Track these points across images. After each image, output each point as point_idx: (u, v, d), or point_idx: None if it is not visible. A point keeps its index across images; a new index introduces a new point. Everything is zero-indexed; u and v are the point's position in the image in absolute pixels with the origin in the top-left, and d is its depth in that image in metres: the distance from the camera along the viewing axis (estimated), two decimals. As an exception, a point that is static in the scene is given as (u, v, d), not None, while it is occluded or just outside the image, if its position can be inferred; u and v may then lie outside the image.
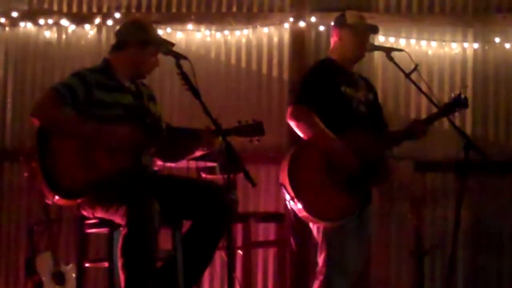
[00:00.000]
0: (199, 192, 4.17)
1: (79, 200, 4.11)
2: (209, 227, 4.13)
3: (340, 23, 4.56)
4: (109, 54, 4.36)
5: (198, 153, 4.37)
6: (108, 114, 4.13)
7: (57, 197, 4.03)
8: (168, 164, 4.68)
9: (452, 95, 4.58)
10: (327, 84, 4.41)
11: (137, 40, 4.28)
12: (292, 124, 4.40)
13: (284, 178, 4.26)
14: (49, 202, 4.15)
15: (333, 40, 4.60)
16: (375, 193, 4.84)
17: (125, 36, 4.34)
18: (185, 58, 4.04)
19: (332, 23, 4.65)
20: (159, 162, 4.41)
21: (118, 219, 3.97)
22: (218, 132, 3.98)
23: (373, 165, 4.35)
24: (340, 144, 4.28)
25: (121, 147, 4.06)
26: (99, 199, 4.06)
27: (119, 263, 3.92)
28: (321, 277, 4.33)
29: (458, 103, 4.51)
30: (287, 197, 4.25)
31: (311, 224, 4.44)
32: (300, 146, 4.36)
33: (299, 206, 4.20)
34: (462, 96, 4.52)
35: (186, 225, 4.24)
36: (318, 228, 4.38)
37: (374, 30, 4.66)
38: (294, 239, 5.66)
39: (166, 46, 4.28)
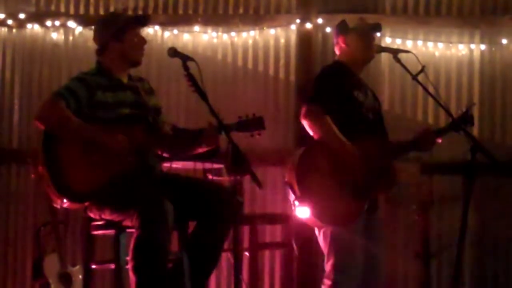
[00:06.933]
0: (203, 192, 4.15)
1: (87, 203, 4.11)
2: (213, 227, 4.10)
3: (344, 29, 4.56)
4: (98, 58, 4.34)
5: (201, 150, 4.35)
6: (113, 115, 4.14)
7: (65, 201, 4.03)
8: (175, 166, 4.68)
9: (459, 112, 4.56)
10: (340, 87, 4.40)
11: (111, 37, 4.27)
12: (305, 123, 4.39)
13: (291, 178, 4.25)
14: (57, 206, 4.14)
15: (339, 47, 4.58)
16: (382, 196, 4.82)
17: (99, 39, 4.33)
18: (191, 59, 4.04)
19: (335, 32, 4.64)
20: (165, 155, 4.39)
21: (128, 221, 3.96)
22: (221, 129, 3.99)
23: (379, 173, 4.34)
24: (351, 147, 4.28)
25: (121, 152, 4.06)
26: (109, 202, 4.05)
27: (130, 265, 3.90)
28: (329, 282, 4.32)
29: (465, 120, 4.49)
30: (292, 197, 4.24)
31: (316, 231, 4.43)
32: (309, 147, 4.35)
33: (305, 208, 4.19)
34: (469, 113, 4.51)
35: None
36: (324, 234, 4.37)
37: (378, 28, 4.66)
38: (295, 242, 5.66)
39: (140, 20, 4.37)
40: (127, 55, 4.28)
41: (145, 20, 4.43)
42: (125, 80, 4.32)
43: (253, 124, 4.24)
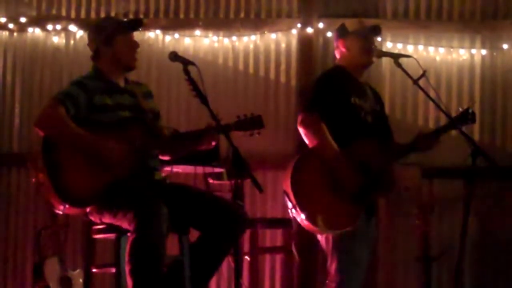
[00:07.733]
0: (211, 205, 4.15)
1: (88, 208, 4.11)
2: (218, 241, 4.11)
3: (343, 33, 4.56)
4: (93, 63, 4.35)
5: (199, 149, 4.36)
6: (113, 117, 4.14)
7: (67, 206, 4.03)
8: (175, 169, 4.68)
9: (460, 109, 4.56)
10: (337, 93, 4.40)
11: (101, 43, 4.27)
12: (301, 131, 4.40)
13: (287, 186, 4.25)
14: (59, 211, 4.14)
15: (339, 51, 4.59)
16: (382, 200, 4.82)
17: (91, 45, 4.33)
18: (192, 64, 4.04)
19: (335, 36, 4.64)
20: (164, 158, 4.39)
21: (126, 225, 3.96)
22: (220, 131, 4.00)
23: (377, 176, 4.33)
24: (343, 160, 4.27)
25: (115, 161, 4.06)
26: (107, 205, 4.05)
27: (126, 268, 3.90)
28: (333, 285, 4.32)
29: (466, 118, 4.49)
30: (289, 205, 4.24)
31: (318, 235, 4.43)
32: (304, 154, 4.35)
33: (302, 216, 4.19)
34: (470, 111, 4.50)
35: (192, 232, 4.24)
36: (326, 237, 4.36)
37: (377, 30, 4.65)
38: (296, 246, 5.65)
39: (130, 25, 4.34)
40: (119, 60, 4.27)
41: (135, 24, 4.40)
42: (121, 84, 4.33)
43: (252, 122, 4.20)
